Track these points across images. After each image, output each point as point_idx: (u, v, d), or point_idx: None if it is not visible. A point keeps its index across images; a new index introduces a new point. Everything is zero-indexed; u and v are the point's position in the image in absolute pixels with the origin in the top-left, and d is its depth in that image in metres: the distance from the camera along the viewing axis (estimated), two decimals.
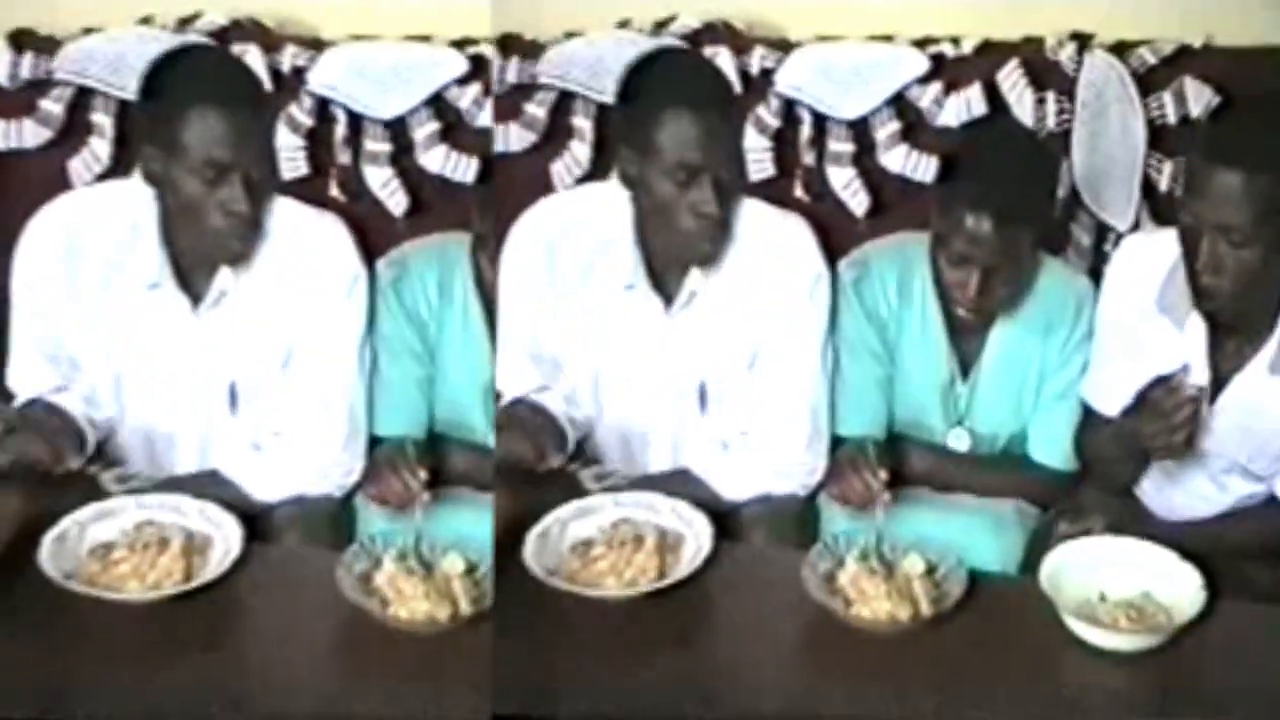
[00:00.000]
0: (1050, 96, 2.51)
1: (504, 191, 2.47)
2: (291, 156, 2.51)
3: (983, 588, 2.11)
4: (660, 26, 2.54)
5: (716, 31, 2.54)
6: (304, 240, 2.32)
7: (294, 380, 2.32)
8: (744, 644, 2.10)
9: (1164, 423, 2.16)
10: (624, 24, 2.52)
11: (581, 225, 2.37)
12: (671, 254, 2.31)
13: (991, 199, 2.21)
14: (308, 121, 2.52)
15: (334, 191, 2.53)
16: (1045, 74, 2.52)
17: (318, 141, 2.53)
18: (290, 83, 2.52)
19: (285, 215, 2.32)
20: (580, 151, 2.50)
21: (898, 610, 2.07)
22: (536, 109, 2.51)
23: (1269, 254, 2.10)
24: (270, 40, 2.53)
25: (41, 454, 2.19)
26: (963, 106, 2.50)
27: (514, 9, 2.46)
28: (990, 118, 2.50)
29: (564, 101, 2.51)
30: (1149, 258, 2.24)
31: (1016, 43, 2.54)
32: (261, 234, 2.26)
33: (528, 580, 2.13)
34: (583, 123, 2.49)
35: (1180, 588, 2.10)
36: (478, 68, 2.52)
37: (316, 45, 2.54)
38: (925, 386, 2.38)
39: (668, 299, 2.35)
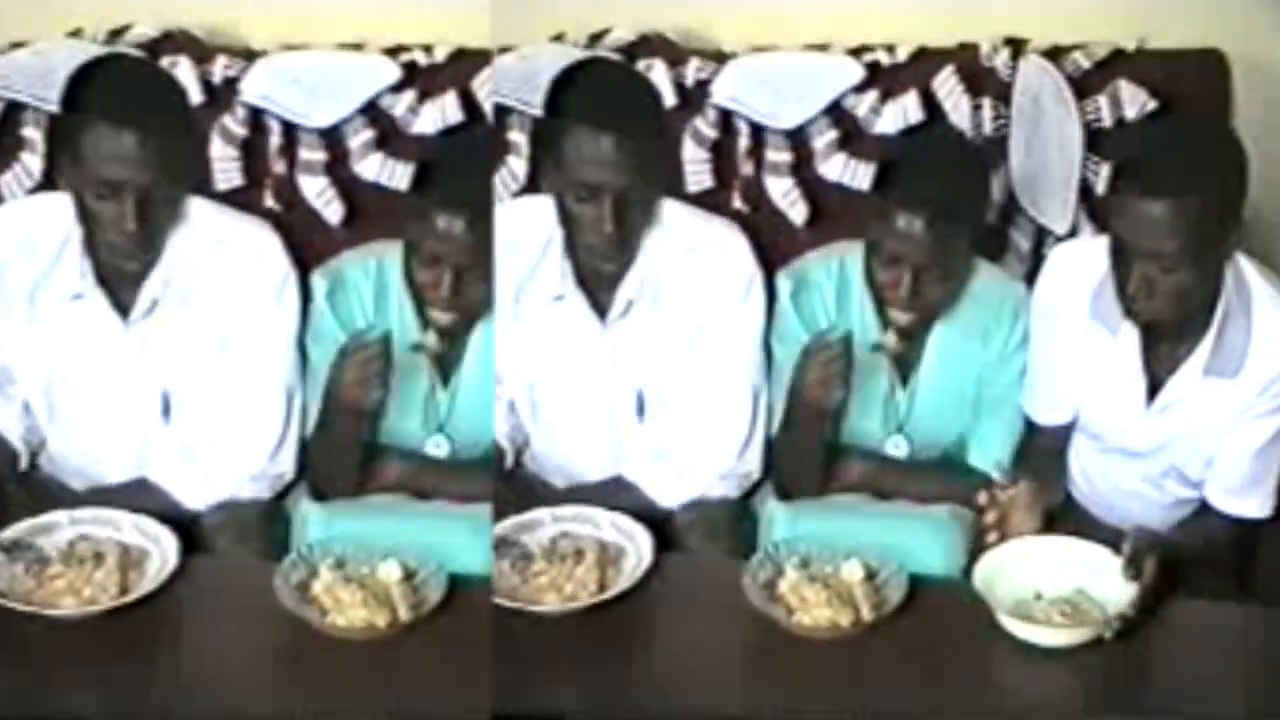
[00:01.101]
0: (986, 102, 2.52)
1: None
2: (225, 168, 2.50)
3: (923, 592, 2.11)
4: (595, 39, 2.53)
5: (651, 44, 2.55)
6: (232, 246, 2.32)
7: (226, 386, 2.31)
8: (686, 655, 2.09)
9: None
10: (558, 37, 2.52)
11: (517, 238, 2.34)
12: (592, 266, 2.31)
13: (922, 198, 2.21)
14: (241, 132, 2.51)
15: (269, 202, 2.52)
16: (981, 80, 2.53)
17: (252, 152, 2.51)
18: (223, 93, 2.51)
19: (212, 222, 2.32)
20: (517, 166, 2.48)
21: (839, 616, 2.07)
22: None
23: (1200, 273, 2.11)
24: (202, 51, 2.53)
25: None
26: (899, 114, 2.49)
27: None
28: (926, 124, 2.49)
29: (499, 116, 2.47)
30: (1080, 266, 2.24)
31: (951, 49, 2.55)
32: (159, 250, 2.24)
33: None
34: (518, 137, 2.47)
35: (1114, 583, 2.09)
36: (411, 75, 2.51)
37: (249, 55, 2.53)
38: (865, 396, 2.37)
39: (603, 310, 2.34)
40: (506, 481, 2.38)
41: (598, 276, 2.33)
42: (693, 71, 2.52)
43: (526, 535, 2.22)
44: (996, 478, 2.23)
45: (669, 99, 2.50)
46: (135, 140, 2.16)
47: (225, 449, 2.31)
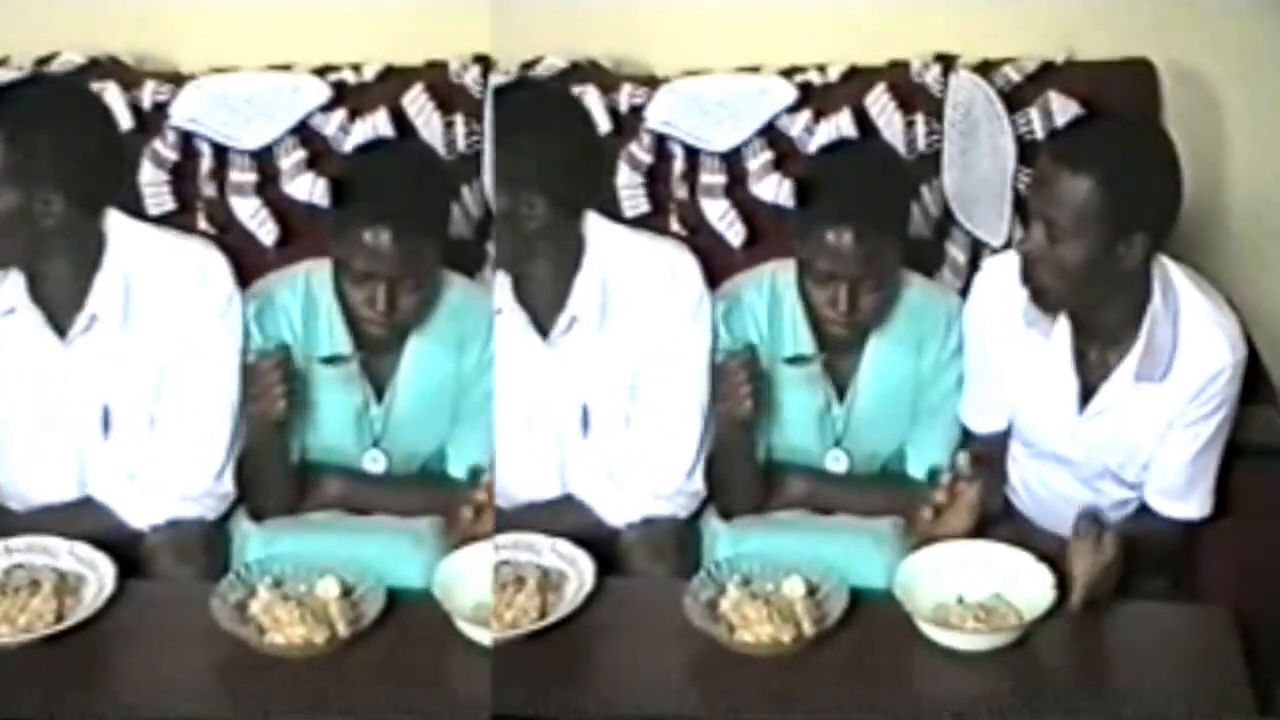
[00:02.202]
0: (919, 118, 2.53)
1: None
2: (156, 192, 2.51)
3: (863, 605, 2.11)
4: (528, 67, 2.54)
5: (584, 70, 2.56)
6: (175, 265, 2.31)
7: (167, 404, 2.31)
8: (630, 677, 2.08)
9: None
10: (487, 65, 2.51)
11: None
12: (544, 280, 2.30)
13: (848, 211, 2.22)
14: (172, 156, 2.52)
15: (202, 224, 2.53)
16: (912, 97, 2.54)
17: (183, 176, 2.52)
18: (153, 118, 2.52)
19: (155, 241, 2.32)
20: None
21: (780, 633, 2.06)
22: None
23: (1093, 252, 2.10)
24: (130, 77, 2.54)
25: None
26: (833, 133, 2.50)
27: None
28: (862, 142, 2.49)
29: None
30: (1011, 276, 2.23)
31: (882, 67, 2.56)
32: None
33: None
34: None
35: (1032, 588, 2.10)
36: (341, 94, 2.53)
37: (177, 79, 2.54)
38: (801, 412, 2.37)
39: (545, 327, 2.34)
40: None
41: (541, 292, 2.32)
42: (626, 97, 2.54)
43: None
44: (943, 477, 2.23)
45: (603, 125, 2.51)
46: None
47: (168, 468, 2.31)
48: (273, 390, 2.25)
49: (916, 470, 2.39)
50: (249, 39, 2.54)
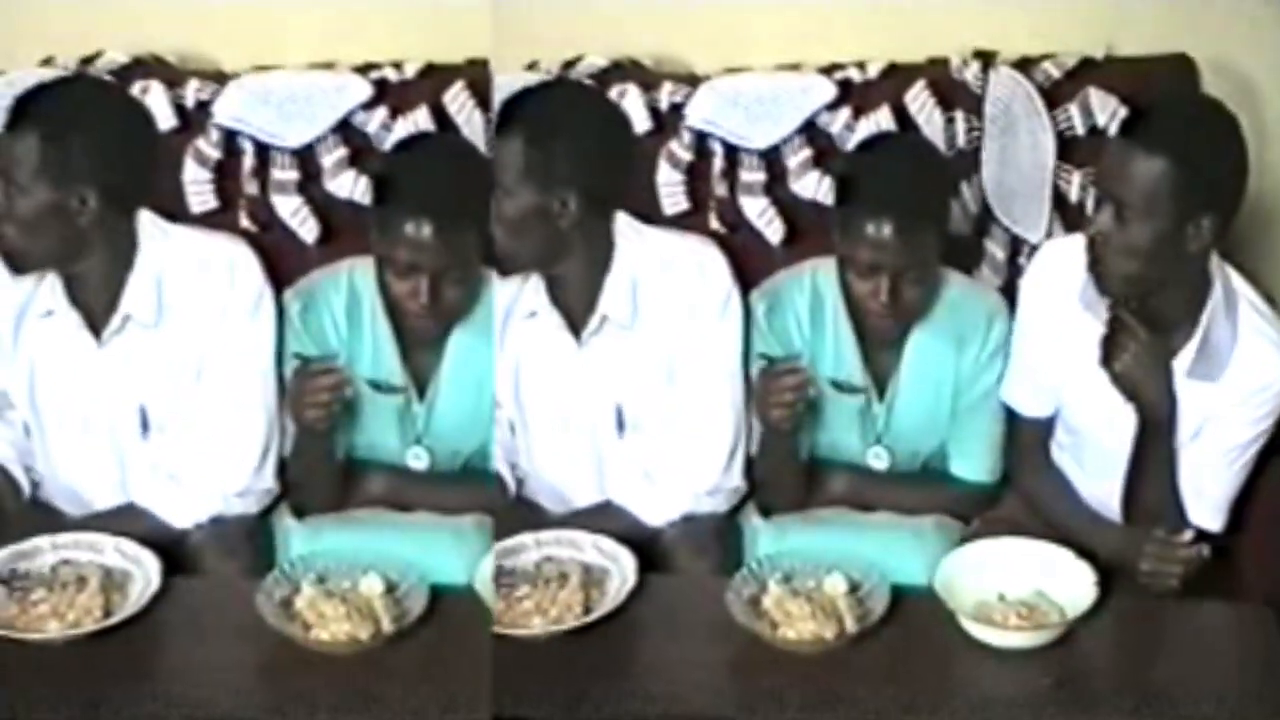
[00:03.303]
0: (959, 115, 2.52)
1: None
2: (199, 190, 2.52)
3: (906, 602, 2.12)
4: (569, 66, 2.55)
5: (625, 69, 2.57)
6: (207, 263, 2.33)
7: (203, 402, 2.33)
8: (672, 673, 2.10)
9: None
10: (532, 65, 2.53)
11: None
12: (577, 281, 2.30)
13: (888, 202, 2.22)
14: (214, 154, 2.53)
15: (245, 223, 2.53)
16: (952, 93, 2.53)
17: (225, 174, 2.53)
18: (196, 117, 2.53)
19: (186, 240, 2.34)
20: None
21: (823, 630, 2.08)
22: None
23: (1162, 233, 2.10)
24: (174, 75, 2.55)
25: None
26: (872, 130, 2.50)
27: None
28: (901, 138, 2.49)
29: None
30: (1069, 259, 2.24)
31: (922, 64, 2.56)
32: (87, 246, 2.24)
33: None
34: None
35: (1073, 585, 2.11)
36: (382, 92, 2.53)
37: (220, 78, 2.55)
38: (842, 409, 2.38)
39: (578, 327, 2.35)
40: (513, 506, 2.38)
41: (574, 293, 2.33)
42: (666, 95, 2.54)
43: (511, 560, 2.22)
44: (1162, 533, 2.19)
45: (643, 124, 2.51)
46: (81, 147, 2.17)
47: (207, 466, 2.33)
48: (323, 406, 2.26)
49: (958, 469, 2.39)
50: (291, 37, 2.55)
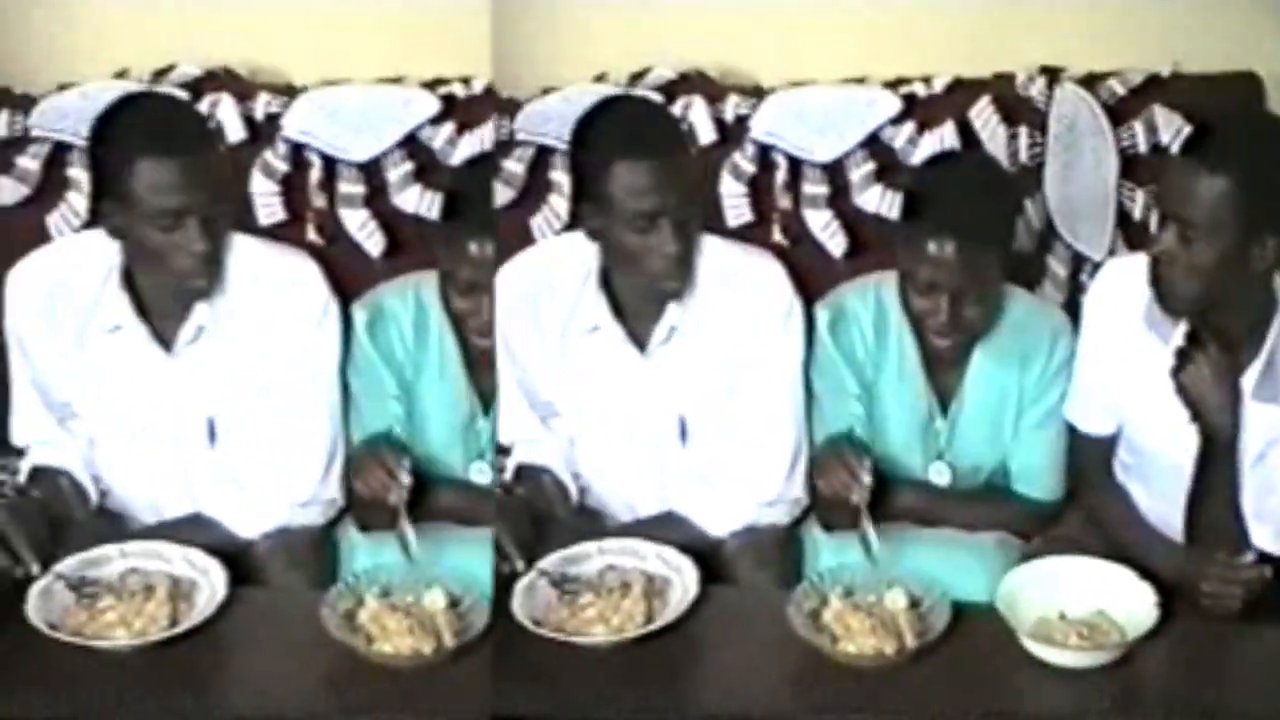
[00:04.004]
0: (1022, 131, 2.53)
1: None
2: (268, 202, 2.55)
3: (966, 619, 2.13)
4: (636, 78, 2.57)
5: (691, 81, 2.58)
6: (274, 277, 2.36)
7: (271, 413, 2.35)
8: (732, 685, 2.11)
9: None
10: (600, 78, 2.56)
11: (557, 274, 2.40)
12: (641, 294, 2.34)
13: (951, 222, 2.22)
14: (283, 167, 2.55)
15: (311, 235, 2.55)
16: (1017, 109, 2.54)
17: (293, 187, 2.56)
18: (265, 130, 2.56)
19: (254, 254, 2.37)
20: (559, 205, 2.52)
21: (883, 645, 2.09)
22: (515, 165, 2.53)
23: (1227, 253, 2.09)
24: (244, 89, 2.59)
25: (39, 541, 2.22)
26: (936, 145, 2.51)
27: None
28: (965, 153, 2.50)
29: (542, 156, 2.53)
30: (1132, 277, 2.23)
31: (987, 80, 2.57)
32: (223, 269, 2.29)
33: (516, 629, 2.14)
34: (561, 177, 2.51)
35: (1134, 605, 2.12)
36: (450, 107, 2.56)
37: (289, 91, 2.58)
38: (904, 424, 2.39)
39: (642, 339, 2.37)
40: (575, 516, 2.40)
41: (637, 306, 2.36)
42: (731, 108, 2.55)
43: (574, 568, 2.25)
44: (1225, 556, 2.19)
45: (708, 135, 2.53)
46: (186, 166, 2.21)
47: (272, 476, 2.36)
48: (388, 485, 2.25)
49: (1020, 486, 2.40)
50: (359, 51, 2.57)
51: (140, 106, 2.33)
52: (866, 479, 2.23)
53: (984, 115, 2.51)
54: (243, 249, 2.36)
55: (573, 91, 2.51)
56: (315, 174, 2.55)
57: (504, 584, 2.22)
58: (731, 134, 2.54)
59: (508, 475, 2.43)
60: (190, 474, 2.39)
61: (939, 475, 2.40)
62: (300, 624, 2.15)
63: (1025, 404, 2.37)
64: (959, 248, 2.22)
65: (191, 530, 2.32)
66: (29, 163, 2.55)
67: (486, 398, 2.40)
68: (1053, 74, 2.55)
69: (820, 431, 2.38)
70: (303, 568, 2.31)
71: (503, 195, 2.54)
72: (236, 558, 2.27)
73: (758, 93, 2.56)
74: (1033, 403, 2.37)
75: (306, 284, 2.37)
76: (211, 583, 2.21)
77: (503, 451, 2.44)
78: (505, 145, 2.55)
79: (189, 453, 2.38)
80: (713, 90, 2.57)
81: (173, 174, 2.22)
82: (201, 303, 2.31)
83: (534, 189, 2.55)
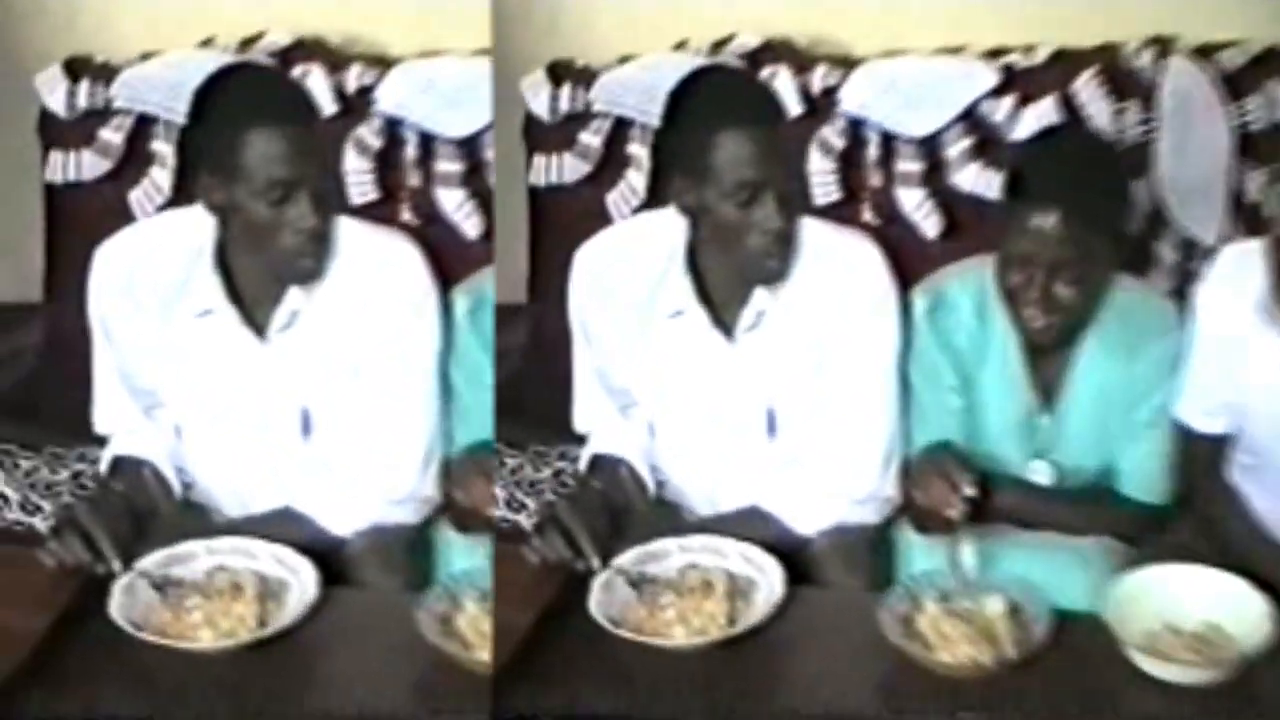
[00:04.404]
0: (1130, 106, 2.42)
1: (558, 224, 2.40)
2: (360, 180, 2.45)
3: (1068, 628, 2.04)
4: (718, 46, 2.47)
5: (776, 50, 2.48)
6: (371, 260, 2.27)
7: (366, 404, 2.26)
8: (819, 692, 2.03)
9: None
10: (681, 45, 2.46)
11: (638, 255, 2.31)
12: (735, 277, 2.25)
13: (1055, 195, 2.10)
14: (376, 143, 2.45)
15: (406, 215, 2.46)
16: (1124, 82, 2.43)
17: (387, 164, 2.45)
18: (357, 103, 2.46)
19: (351, 236, 2.27)
20: (636, 180, 2.44)
21: (980, 654, 2.01)
22: (591, 138, 2.44)
23: None
24: (335, 59, 2.48)
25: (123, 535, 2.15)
26: (1037, 120, 2.40)
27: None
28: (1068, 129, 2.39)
29: (619, 129, 2.44)
30: (1248, 264, 2.12)
31: (1092, 50, 2.45)
32: (331, 250, 2.21)
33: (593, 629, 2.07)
34: (639, 150, 2.43)
35: (1249, 617, 2.01)
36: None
37: (383, 63, 2.47)
38: (1004, 420, 2.28)
39: (729, 324, 2.28)
40: (653, 510, 2.32)
41: (727, 290, 2.26)
42: (819, 78, 2.46)
43: (653, 566, 2.17)
44: None
45: (795, 107, 2.43)
46: (298, 138, 2.14)
47: (368, 470, 2.27)
48: (944, 496, 2.14)
49: (1127, 488, 2.28)
50: (455, 22, 2.43)
51: (243, 77, 2.24)
52: (967, 492, 2.12)
53: (1089, 88, 2.40)
54: (341, 230, 2.25)
55: (651, 60, 2.42)
56: (410, 151, 2.45)
57: (580, 581, 2.13)
58: (819, 107, 2.44)
59: (582, 466, 2.33)
60: (281, 466, 2.29)
61: (1039, 475, 2.29)
62: (394, 626, 2.06)
63: (1134, 400, 2.24)
64: (1063, 221, 2.08)
65: (281, 526, 2.23)
66: (111, 135, 2.47)
67: (1048, 390, 2.26)
68: (1163, 44, 2.44)
69: (916, 426, 2.28)
70: (398, 569, 2.22)
71: (577, 170, 2.44)
72: (328, 556, 2.17)
73: (847, 63, 2.46)
74: (1142, 398, 2.24)
75: (407, 268, 2.28)
76: (302, 582, 2.13)
77: (578, 441, 2.34)
78: (580, 117, 2.44)
79: (280, 444, 2.29)
80: (799, 60, 2.47)
81: (284, 144, 2.15)
82: (295, 287, 2.21)
83: (610, 164, 2.44)
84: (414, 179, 2.46)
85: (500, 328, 2.33)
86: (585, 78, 2.46)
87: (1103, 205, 2.17)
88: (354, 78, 2.47)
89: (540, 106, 2.47)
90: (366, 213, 2.41)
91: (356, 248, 2.26)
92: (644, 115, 2.40)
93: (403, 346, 2.26)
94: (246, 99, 2.19)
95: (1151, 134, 2.43)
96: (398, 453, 2.28)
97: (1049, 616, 2.05)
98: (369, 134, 2.45)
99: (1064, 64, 2.45)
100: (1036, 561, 2.16)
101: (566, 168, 2.45)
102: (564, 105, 2.47)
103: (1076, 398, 2.26)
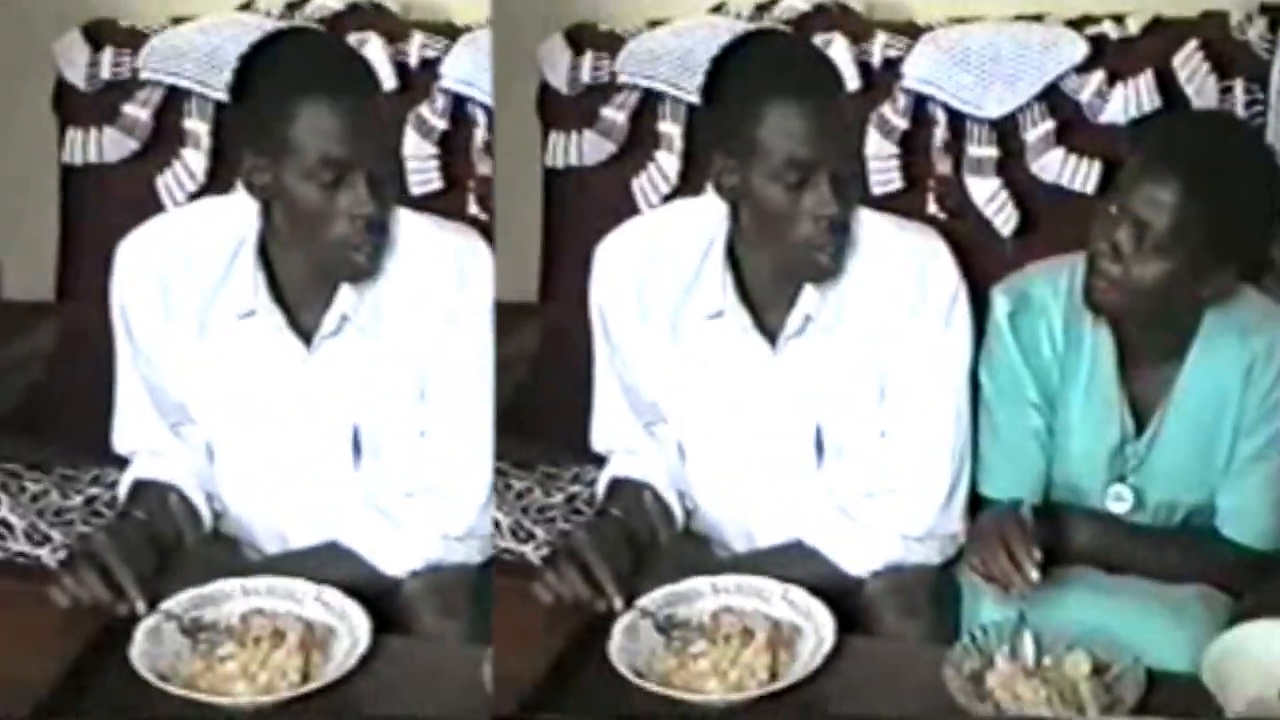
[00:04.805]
0: (1238, 85, 2.16)
1: (576, 212, 2.19)
2: (422, 166, 2.20)
3: (1162, 690, 1.87)
4: (762, 10, 2.23)
5: (829, 15, 2.24)
6: (434, 258, 2.06)
7: (428, 426, 2.06)
8: None
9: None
10: (719, 8, 2.22)
11: (670, 248, 2.09)
12: (780, 273, 2.04)
13: (1182, 164, 1.88)
14: (441, 124, 2.20)
15: (473, 208, 2.21)
16: (1231, 57, 2.18)
17: (451, 148, 2.21)
18: (419, 78, 2.21)
19: (411, 229, 2.06)
20: (667, 163, 2.20)
21: (1060, 718, 1.83)
22: (615, 113, 2.20)
23: None
24: (394, 28, 2.24)
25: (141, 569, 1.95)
26: (1131, 99, 2.15)
27: None
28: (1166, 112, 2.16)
29: (647, 103, 2.20)
30: None
31: (1194, 20, 2.20)
32: (388, 244, 2.01)
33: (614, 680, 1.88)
34: (670, 128, 2.19)
35: None
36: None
37: (448, 32, 2.22)
38: (1090, 446, 2.04)
39: (772, 330, 2.07)
40: (680, 543, 2.12)
41: (771, 290, 2.05)
42: (880, 48, 2.20)
43: (683, 609, 1.97)
44: None
45: (851, 81, 2.18)
46: (356, 114, 1.97)
47: (426, 502, 2.05)
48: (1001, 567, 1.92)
49: (1230, 530, 2.04)
50: None
51: (295, 42, 2.09)
52: (1032, 571, 1.89)
53: (1191, 63, 2.15)
54: (401, 222, 2.05)
55: (686, 25, 2.18)
56: (480, 134, 2.19)
57: (600, 624, 1.93)
58: (879, 81, 2.20)
59: (600, 490, 2.11)
60: (327, 495, 2.08)
61: (1119, 501, 2.05)
62: (454, 681, 1.89)
63: (1244, 428, 2.01)
64: (1187, 194, 1.86)
65: (326, 563, 2.03)
66: (137, 111, 2.25)
67: (1143, 412, 2.02)
68: (1276, 14, 2.18)
69: (989, 445, 2.07)
70: (458, 614, 2.00)
71: (599, 150, 2.20)
72: (379, 599, 1.98)
73: (911, 31, 2.21)
74: (1254, 428, 2.00)
75: (474, 269, 2.05)
76: (351, 629, 1.95)
77: (594, 461, 2.13)
78: (604, 89, 2.20)
79: (326, 469, 2.10)
80: (857, 27, 2.22)
81: (340, 118, 1.97)
82: (348, 286, 2.00)
83: (637, 143, 2.20)
84: (484, 166, 2.21)
85: (507, 329, 2.10)
86: (610, 44, 2.22)
87: (1239, 184, 1.91)
88: (415, 49, 2.21)
89: (558, 77, 2.22)
90: (429, 204, 2.16)
91: (417, 243, 2.06)
92: (677, 89, 2.17)
93: (464, 359, 2.04)
94: (299, 66, 2.02)
95: (1264, 117, 2.18)
96: (459, 483, 2.05)
97: (1139, 677, 1.88)
98: (432, 114, 2.20)
99: (1161, 36, 2.20)
100: (1124, 613, 1.94)
101: (587, 147, 2.20)
102: (585, 75, 2.22)
103: (1175, 424, 2.03)
